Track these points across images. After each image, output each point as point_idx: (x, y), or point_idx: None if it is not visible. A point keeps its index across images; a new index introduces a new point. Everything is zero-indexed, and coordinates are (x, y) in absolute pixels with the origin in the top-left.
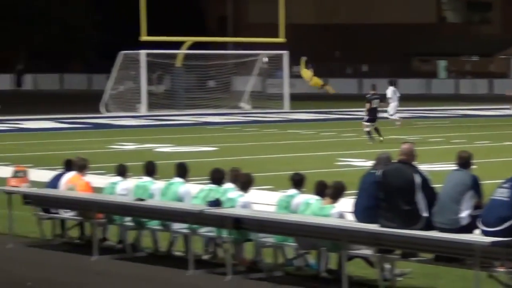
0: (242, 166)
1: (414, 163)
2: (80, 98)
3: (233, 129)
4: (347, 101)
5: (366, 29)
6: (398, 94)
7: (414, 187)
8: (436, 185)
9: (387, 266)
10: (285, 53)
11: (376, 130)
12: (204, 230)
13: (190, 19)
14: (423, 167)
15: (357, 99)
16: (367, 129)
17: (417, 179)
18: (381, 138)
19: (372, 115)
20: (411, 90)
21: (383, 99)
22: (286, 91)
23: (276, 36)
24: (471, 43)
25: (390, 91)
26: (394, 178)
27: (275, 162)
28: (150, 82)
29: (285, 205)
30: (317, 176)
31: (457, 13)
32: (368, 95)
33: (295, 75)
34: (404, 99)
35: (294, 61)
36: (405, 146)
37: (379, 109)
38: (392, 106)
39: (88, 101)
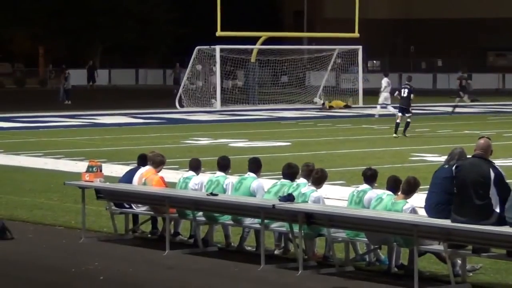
0: (315, 161)
1: (490, 158)
2: (155, 93)
3: (306, 124)
4: (421, 96)
5: (441, 23)
6: (390, 87)
7: (490, 182)
8: (510, 181)
9: (458, 261)
10: (359, 48)
11: (406, 124)
12: (276, 225)
13: (265, 14)
14: (496, 162)
15: (431, 94)
16: (398, 120)
17: (492, 174)
18: (395, 135)
19: (403, 105)
20: (485, 85)
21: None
22: (360, 86)
23: (352, 31)
24: None
25: (384, 82)
26: (469, 173)
27: (348, 157)
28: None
29: (357, 200)
30: (390, 171)
31: None
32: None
33: (369, 70)
34: (479, 94)
35: (368, 56)
36: (481, 141)
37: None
38: (382, 97)
39: (163, 96)
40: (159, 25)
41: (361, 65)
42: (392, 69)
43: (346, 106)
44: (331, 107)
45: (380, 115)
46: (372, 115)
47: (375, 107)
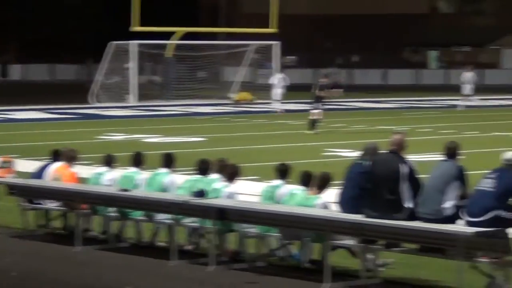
0: (230, 156)
1: (404, 153)
2: (70, 89)
3: (222, 119)
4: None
5: (358, 19)
6: (283, 83)
7: (399, 177)
8: (423, 176)
9: (370, 256)
10: (275, 44)
11: (315, 121)
12: (188, 221)
13: (183, 9)
14: (411, 157)
15: (349, 89)
16: (311, 117)
17: (403, 169)
18: (309, 131)
19: (314, 101)
20: (401, 81)
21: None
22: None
23: (269, 26)
24: (463, 33)
25: (275, 79)
26: (381, 168)
27: (263, 153)
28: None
29: (270, 196)
30: (304, 166)
31: (449, 3)
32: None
33: (286, 66)
34: (394, 89)
35: (286, 52)
36: (395, 136)
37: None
38: (275, 93)
39: (78, 92)
40: (77, 19)
41: (278, 61)
42: (310, 64)
43: (253, 101)
44: (238, 101)
45: (286, 110)
46: (274, 111)
47: (273, 103)
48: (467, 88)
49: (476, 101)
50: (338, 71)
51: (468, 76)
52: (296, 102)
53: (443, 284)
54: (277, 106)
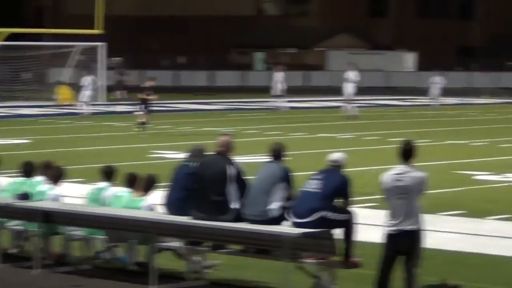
0: (56, 158)
1: (231, 155)
2: None
3: (47, 121)
4: (162, 93)
5: (185, 20)
6: (93, 86)
7: (226, 178)
8: (251, 177)
9: (197, 258)
10: (100, 45)
11: (140, 123)
12: (12, 224)
13: (7, 9)
14: (238, 159)
15: (172, 91)
16: (140, 119)
17: (230, 170)
18: (135, 132)
19: (140, 103)
20: (228, 82)
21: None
22: (102, 83)
23: (96, 27)
24: (289, 35)
25: (85, 81)
26: (208, 169)
27: (88, 155)
28: None
29: (95, 198)
30: (130, 168)
31: (275, 5)
32: None
33: (111, 67)
34: (221, 91)
35: (112, 53)
36: (222, 138)
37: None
38: (83, 95)
39: None
40: None
41: (103, 62)
42: (137, 66)
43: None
44: (60, 103)
45: (93, 113)
46: (82, 113)
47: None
48: (278, 89)
49: (283, 102)
50: (126, 72)
51: (278, 76)
52: (123, 104)
53: (269, 285)
54: (85, 108)
